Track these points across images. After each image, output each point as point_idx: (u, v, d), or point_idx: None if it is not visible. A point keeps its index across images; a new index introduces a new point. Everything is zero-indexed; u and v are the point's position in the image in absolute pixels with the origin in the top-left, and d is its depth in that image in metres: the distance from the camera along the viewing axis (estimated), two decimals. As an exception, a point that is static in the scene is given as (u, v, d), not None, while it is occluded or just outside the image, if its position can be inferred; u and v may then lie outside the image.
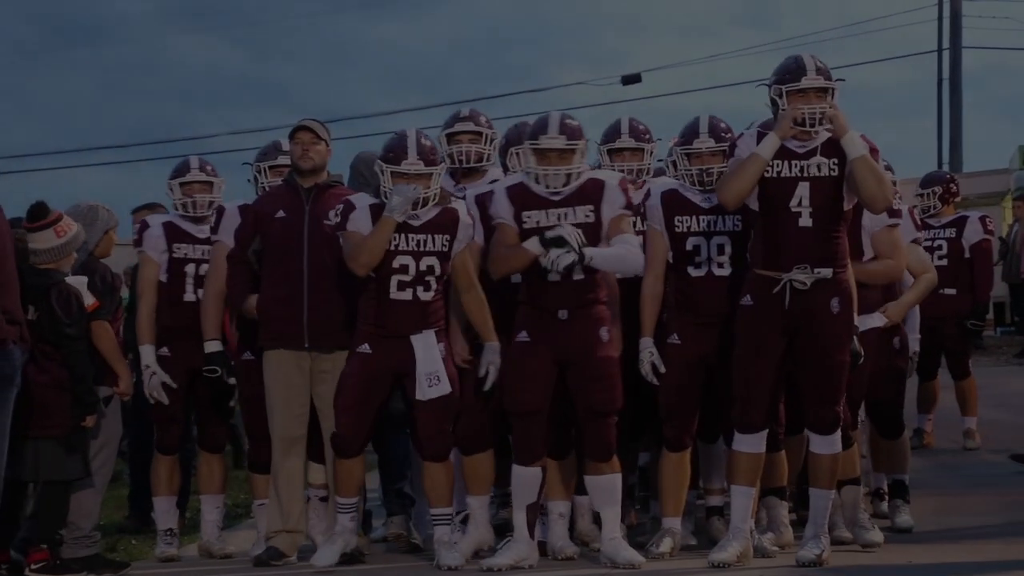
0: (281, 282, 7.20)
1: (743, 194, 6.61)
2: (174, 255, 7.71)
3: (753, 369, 6.60)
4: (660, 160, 7.77)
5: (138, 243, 7.77)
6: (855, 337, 6.72)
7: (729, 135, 7.01)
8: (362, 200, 6.97)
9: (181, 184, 7.77)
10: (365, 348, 6.89)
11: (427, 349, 6.88)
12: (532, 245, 6.68)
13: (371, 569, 7.01)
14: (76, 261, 7.36)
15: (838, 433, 6.65)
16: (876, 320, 7.31)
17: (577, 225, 6.71)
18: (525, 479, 6.77)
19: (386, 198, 6.84)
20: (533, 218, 6.77)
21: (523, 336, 6.77)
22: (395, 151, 6.90)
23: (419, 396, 6.87)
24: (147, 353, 7.62)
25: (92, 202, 7.76)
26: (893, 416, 7.75)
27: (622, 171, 7.28)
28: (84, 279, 7.31)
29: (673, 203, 6.99)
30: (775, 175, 6.60)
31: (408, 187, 6.81)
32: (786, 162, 6.60)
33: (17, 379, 6.66)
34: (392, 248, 6.85)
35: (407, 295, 6.88)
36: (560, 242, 6.63)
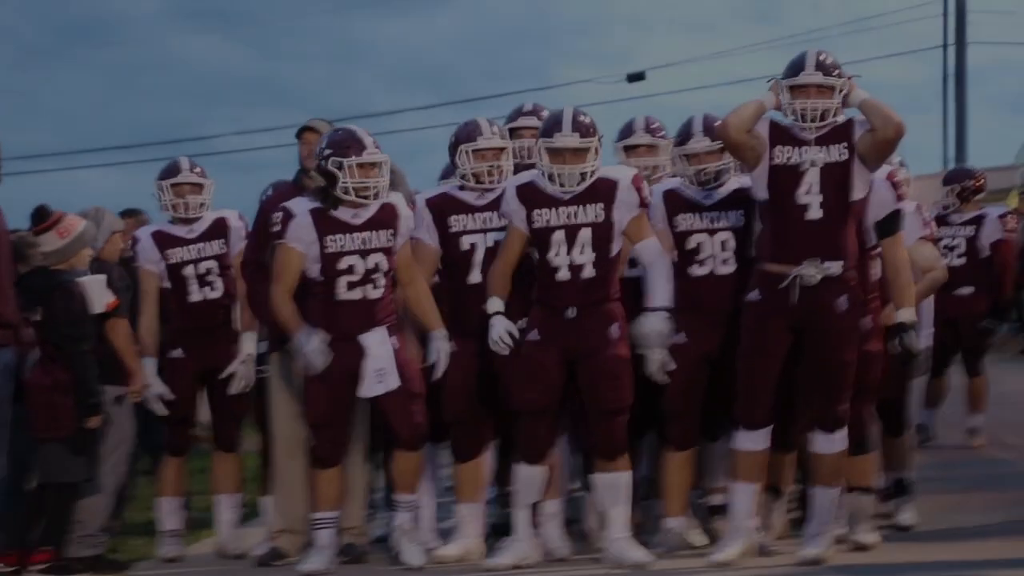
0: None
1: (742, 125, 6.55)
2: (169, 262, 7.70)
3: (757, 366, 6.60)
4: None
5: (132, 259, 7.78)
6: (912, 332, 6.66)
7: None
8: (301, 206, 6.90)
9: (172, 185, 7.73)
10: None
11: (377, 346, 6.84)
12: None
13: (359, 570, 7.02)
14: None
15: (842, 431, 6.64)
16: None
17: (587, 224, 6.70)
18: (529, 478, 6.76)
19: (345, 193, 6.79)
20: (543, 217, 6.73)
21: (534, 335, 6.75)
22: (350, 143, 6.82)
23: (362, 393, 6.84)
24: (147, 365, 7.61)
25: (98, 206, 7.76)
26: (898, 414, 7.73)
27: (637, 168, 7.31)
28: (102, 277, 7.30)
29: (675, 201, 6.99)
30: (783, 162, 6.59)
31: (319, 354, 6.75)
32: (795, 149, 6.60)
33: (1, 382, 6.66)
34: (338, 249, 6.83)
35: (356, 295, 6.85)
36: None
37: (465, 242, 7.06)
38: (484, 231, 7.02)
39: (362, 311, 6.84)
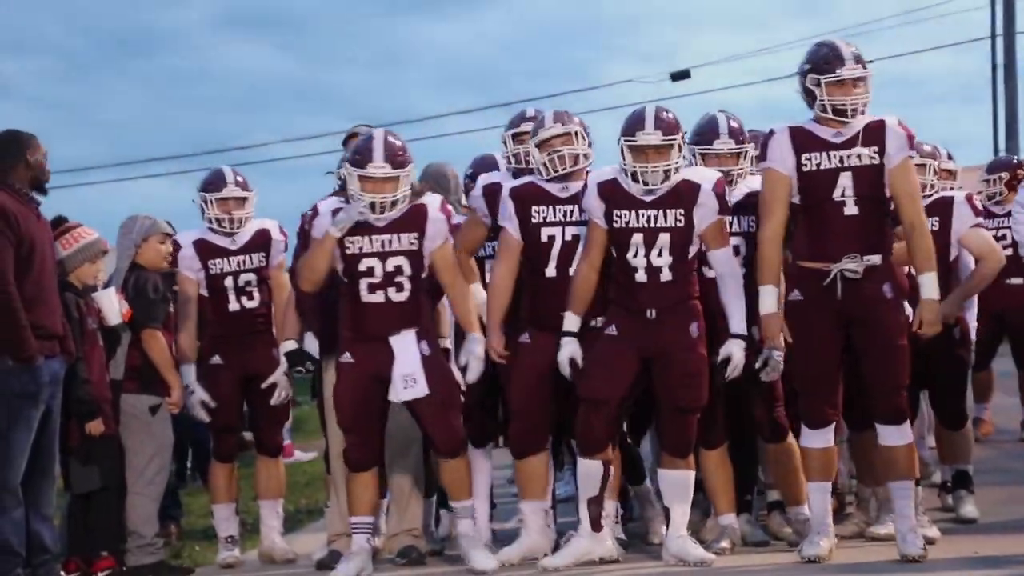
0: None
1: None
2: (210, 272, 7.71)
3: (813, 366, 6.51)
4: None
5: (173, 264, 7.76)
6: None
7: (743, 136, 6.98)
8: (327, 205, 6.89)
9: (218, 200, 7.70)
10: (347, 358, 6.83)
11: (405, 350, 6.79)
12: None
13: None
14: (103, 272, 7.34)
15: (908, 422, 6.55)
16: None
17: (666, 229, 6.59)
18: (587, 471, 6.69)
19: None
20: (623, 218, 6.63)
21: (611, 330, 6.66)
22: (361, 154, 6.79)
23: (392, 397, 6.80)
24: (187, 372, 7.64)
25: (133, 215, 7.71)
26: (956, 406, 7.66)
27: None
28: (111, 290, 7.30)
29: None
30: (815, 167, 6.51)
31: (356, 206, 6.71)
32: (824, 153, 6.51)
33: (44, 396, 6.62)
34: (356, 251, 6.80)
35: (379, 297, 6.81)
36: None
37: (544, 234, 6.93)
38: (563, 224, 6.91)
39: (386, 314, 6.79)
